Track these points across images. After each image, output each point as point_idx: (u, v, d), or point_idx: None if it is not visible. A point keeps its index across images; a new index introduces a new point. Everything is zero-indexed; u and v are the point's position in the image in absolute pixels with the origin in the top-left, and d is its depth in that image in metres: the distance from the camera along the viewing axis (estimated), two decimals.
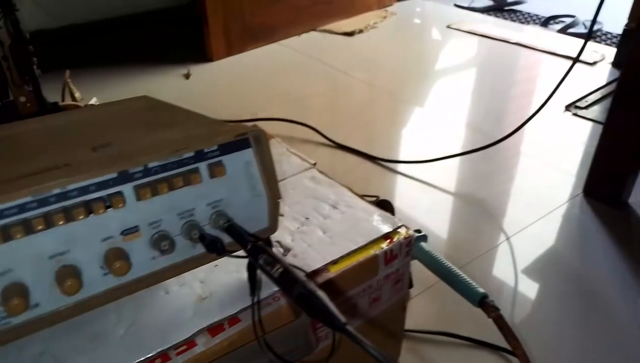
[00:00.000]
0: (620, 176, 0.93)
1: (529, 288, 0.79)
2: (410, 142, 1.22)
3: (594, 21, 0.89)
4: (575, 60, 0.97)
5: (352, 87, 1.48)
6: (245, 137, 0.41)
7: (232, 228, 0.39)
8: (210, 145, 0.39)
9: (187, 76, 1.54)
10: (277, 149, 0.72)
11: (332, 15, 1.95)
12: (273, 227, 0.44)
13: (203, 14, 1.59)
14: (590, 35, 0.96)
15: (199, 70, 1.59)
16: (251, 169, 0.42)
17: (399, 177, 1.06)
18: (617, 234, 0.89)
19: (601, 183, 0.96)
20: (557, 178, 1.06)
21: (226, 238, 0.40)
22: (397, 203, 0.95)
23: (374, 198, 0.72)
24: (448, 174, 1.07)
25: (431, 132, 1.27)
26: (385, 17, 2.02)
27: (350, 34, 1.86)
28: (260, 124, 1.21)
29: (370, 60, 1.68)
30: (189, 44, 1.68)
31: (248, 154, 0.41)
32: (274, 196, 0.43)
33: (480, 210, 0.97)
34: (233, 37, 1.68)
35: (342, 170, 1.09)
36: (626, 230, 0.90)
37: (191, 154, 0.38)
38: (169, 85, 1.50)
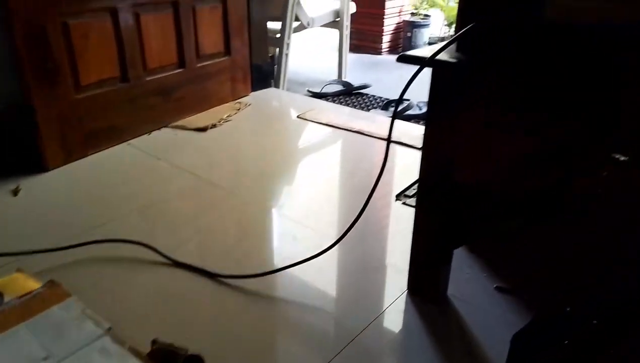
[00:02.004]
0: (434, 270, 1.01)
1: None
2: (255, 249, 1.22)
3: (398, 103, 0.92)
4: (388, 142, 0.96)
5: (199, 190, 1.46)
6: None
7: None
8: None
9: (15, 192, 1.41)
10: (70, 312, 0.66)
11: (184, 111, 1.96)
12: None
13: (33, 121, 1.49)
14: (395, 117, 0.96)
15: (32, 183, 1.47)
16: None
17: (239, 295, 1.05)
18: (438, 333, 0.95)
19: (420, 279, 1.03)
20: (387, 275, 1.12)
21: None
22: (237, 330, 0.93)
23: (183, 352, 0.69)
24: (289, 283, 1.09)
25: (276, 235, 1.30)
26: (239, 110, 2.08)
27: (203, 129, 1.87)
28: (87, 247, 1.14)
29: (221, 157, 1.70)
30: (21, 151, 1.56)
31: None
32: None
33: (320, 319, 0.99)
34: (72, 142, 1.60)
35: (172, 294, 1.05)
36: (446, 326, 0.97)
37: None
38: None
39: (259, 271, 1.07)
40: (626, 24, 0.62)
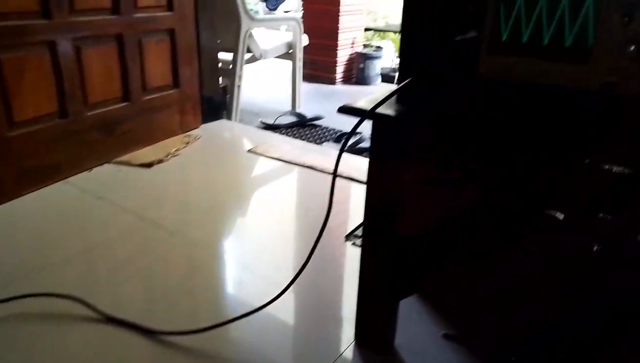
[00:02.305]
0: (381, 320, 0.99)
1: None
2: (200, 299, 1.16)
3: (347, 138, 0.86)
4: (334, 179, 0.89)
5: (141, 232, 1.39)
6: None
7: None
8: None
9: None
10: None
11: (130, 145, 1.89)
12: None
13: None
14: (342, 153, 0.87)
15: None
16: None
17: (182, 355, 0.99)
18: None
19: (367, 329, 1.01)
20: (335, 324, 1.09)
21: None
22: None
23: None
24: (235, 337, 1.03)
25: (224, 282, 1.24)
26: (188, 143, 2.03)
27: (149, 164, 1.81)
28: (10, 302, 1.05)
29: (167, 195, 1.63)
30: None
31: None
32: None
33: None
34: (3, 182, 1.49)
35: (106, 357, 0.98)
36: None
37: None
38: None
39: (203, 325, 1.01)
40: (554, 85, 0.64)
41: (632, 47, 0.57)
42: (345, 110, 0.81)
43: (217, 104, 2.34)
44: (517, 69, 0.66)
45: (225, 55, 2.53)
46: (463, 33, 0.75)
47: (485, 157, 0.72)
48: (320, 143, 2.37)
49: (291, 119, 2.68)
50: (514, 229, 0.73)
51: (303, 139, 2.42)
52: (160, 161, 1.84)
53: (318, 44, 3.62)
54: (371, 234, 0.92)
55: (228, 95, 2.52)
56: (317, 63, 3.74)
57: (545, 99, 0.66)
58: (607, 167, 0.60)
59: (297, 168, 1.87)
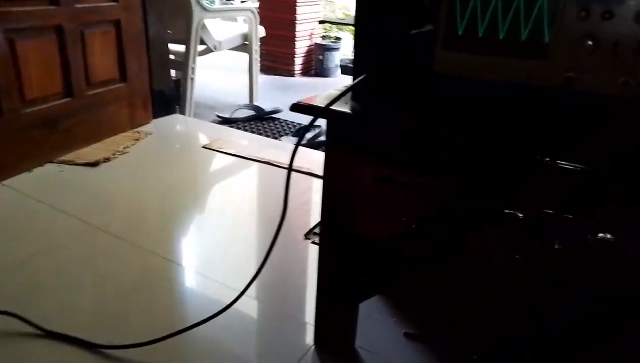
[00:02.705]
0: (340, 322, 0.96)
1: None
2: (149, 309, 1.10)
3: (304, 132, 0.82)
4: (289, 174, 0.80)
5: (84, 238, 1.30)
6: None
7: None
8: None
9: None
10: None
11: (74, 143, 1.77)
12: None
13: None
14: (297, 146, 0.80)
15: None
16: None
17: None
18: None
19: (326, 331, 0.97)
20: (294, 327, 1.05)
21: None
22: None
23: None
24: (187, 347, 0.98)
25: (175, 289, 1.18)
26: (138, 140, 1.93)
27: (94, 163, 1.70)
28: None
29: (113, 196, 1.54)
30: None
31: None
32: None
33: None
34: None
35: None
36: None
37: None
38: None
39: (156, 335, 0.95)
40: (509, 82, 0.62)
41: (590, 42, 0.55)
42: (298, 108, 0.77)
43: (169, 97, 2.24)
44: (474, 65, 0.64)
45: (177, 47, 2.43)
46: (419, 26, 0.72)
47: (441, 156, 0.70)
48: (279, 137, 2.31)
49: (249, 113, 2.61)
50: (474, 229, 0.71)
51: (261, 133, 2.36)
52: (107, 159, 1.74)
53: (276, 35, 3.55)
54: (328, 233, 0.88)
55: (181, 89, 2.42)
56: (276, 55, 3.66)
57: (504, 95, 0.64)
58: (566, 165, 0.58)
59: (254, 164, 1.81)
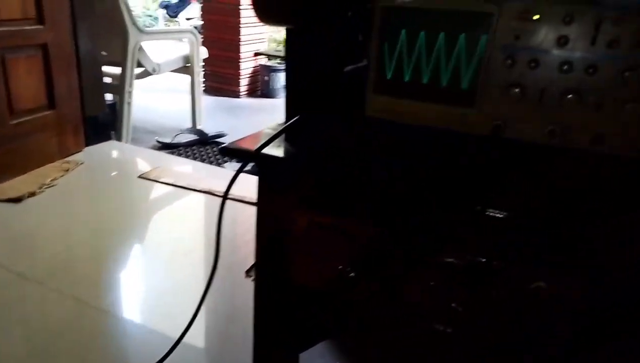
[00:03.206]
0: None
1: None
2: None
3: (241, 168, 0.75)
4: (223, 201, 0.73)
5: (7, 286, 1.19)
6: None
7: None
8: None
9: None
10: None
11: None
12: None
13: None
14: (235, 177, 0.73)
15: None
16: None
17: None
18: None
19: None
20: None
21: None
22: None
23: None
24: None
25: (104, 345, 1.09)
26: (67, 170, 1.80)
27: (17, 199, 1.57)
28: None
29: (37, 236, 1.42)
30: None
31: None
32: None
33: None
34: None
35: None
36: None
37: None
38: None
39: None
40: (442, 129, 0.60)
41: (517, 90, 0.55)
42: (227, 152, 0.72)
43: (103, 123, 2.13)
44: (404, 110, 0.62)
45: (113, 70, 2.32)
46: (352, 66, 0.69)
47: (373, 203, 0.67)
48: (222, 163, 2.24)
49: (191, 137, 2.53)
50: (409, 276, 0.68)
51: (204, 159, 2.28)
52: (32, 194, 1.61)
53: (220, 56, 3.49)
54: (263, 280, 0.83)
55: (117, 114, 2.31)
56: (221, 76, 3.60)
57: (437, 142, 0.62)
58: (497, 213, 0.56)
59: (194, 194, 1.74)
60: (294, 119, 0.72)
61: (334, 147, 0.69)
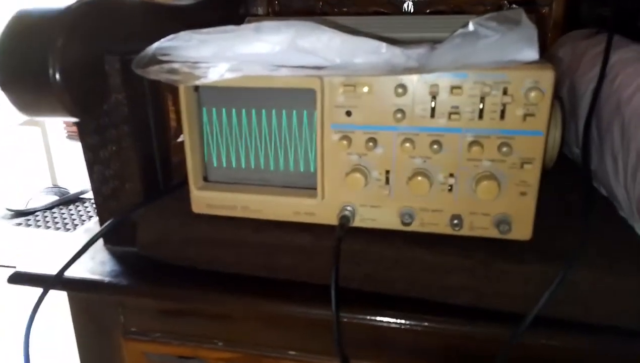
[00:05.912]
0: None
1: None
2: None
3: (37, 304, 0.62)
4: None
5: None
6: None
7: None
8: None
9: None
10: None
11: None
12: None
13: None
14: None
15: None
16: None
17: None
18: None
19: None
20: None
21: None
22: None
23: None
24: None
25: None
26: None
27: None
28: None
29: None
30: None
31: None
32: None
33: None
34: None
35: None
36: None
37: None
38: None
39: None
40: (287, 223, 0.49)
41: (358, 174, 0.45)
42: (17, 279, 0.55)
43: None
44: (236, 202, 0.50)
45: None
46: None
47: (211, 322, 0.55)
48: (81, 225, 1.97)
49: (51, 198, 2.20)
50: None
51: (66, 223, 1.99)
52: None
53: None
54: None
55: None
56: None
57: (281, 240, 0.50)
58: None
59: None
60: (108, 222, 0.56)
61: (158, 261, 0.55)
